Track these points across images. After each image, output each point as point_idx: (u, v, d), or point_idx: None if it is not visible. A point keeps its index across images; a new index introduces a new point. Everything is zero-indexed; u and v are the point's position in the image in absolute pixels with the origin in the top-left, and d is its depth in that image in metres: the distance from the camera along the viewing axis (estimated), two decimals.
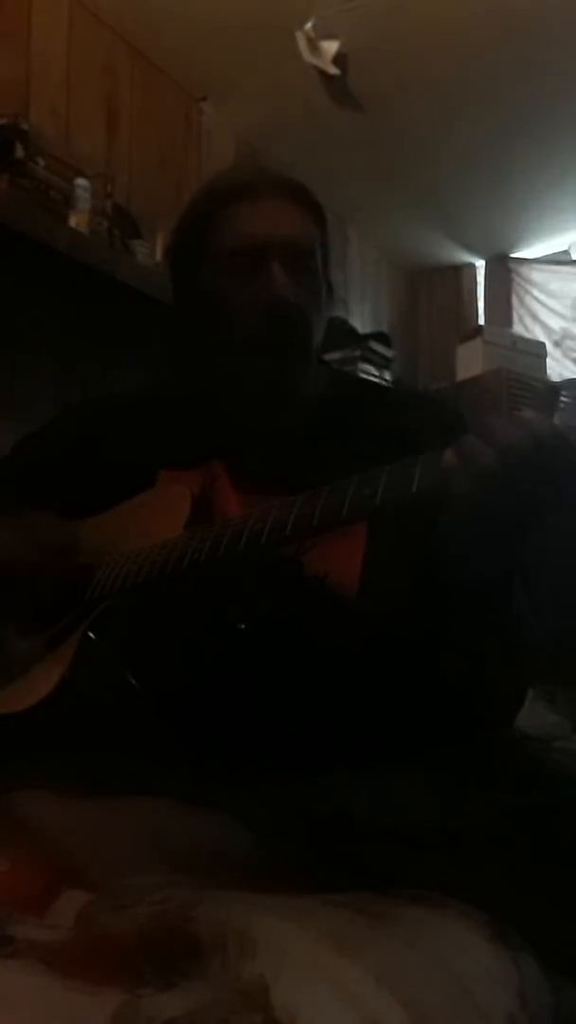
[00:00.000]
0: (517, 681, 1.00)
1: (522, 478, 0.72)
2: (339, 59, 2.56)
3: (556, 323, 3.91)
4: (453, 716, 0.88)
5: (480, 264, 4.04)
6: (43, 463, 1.12)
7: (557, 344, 3.81)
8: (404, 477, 0.75)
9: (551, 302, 3.94)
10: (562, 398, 0.72)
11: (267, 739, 0.82)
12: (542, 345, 3.60)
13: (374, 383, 2.58)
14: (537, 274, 3.97)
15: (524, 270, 3.99)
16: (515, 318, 3.97)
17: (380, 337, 3.24)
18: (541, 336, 3.80)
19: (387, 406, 1.12)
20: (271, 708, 0.86)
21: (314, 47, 2.53)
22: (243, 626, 0.90)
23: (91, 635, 0.91)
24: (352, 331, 3.19)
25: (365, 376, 2.92)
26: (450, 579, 0.84)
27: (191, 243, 1.05)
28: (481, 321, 3.87)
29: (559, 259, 3.95)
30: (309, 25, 2.48)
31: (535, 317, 3.96)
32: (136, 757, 0.80)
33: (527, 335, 3.77)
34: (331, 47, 2.54)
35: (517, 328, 3.90)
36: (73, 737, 0.84)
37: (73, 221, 2.07)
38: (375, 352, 3.12)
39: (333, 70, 2.60)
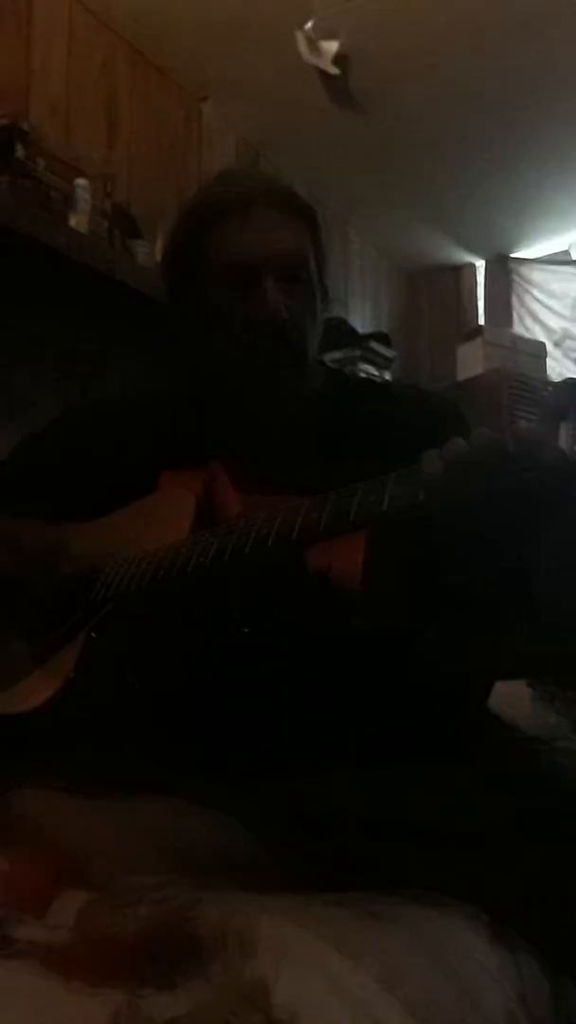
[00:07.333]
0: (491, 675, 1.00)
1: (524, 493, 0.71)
2: (339, 59, 2.57)
3: (556, 323, 3.90)
4: (451, 715, 0.88)
5: (480, 264, 4.04)
6: (42, 467, 1.12)
7: (557, 344, 3.81)
8: (410, 484, 0.74)
9: (551, 302, 3.93)
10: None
11: (269, 739, 0.82)
12: (542, 345, 3.60)
13: (370, 380, 2.58)
14: (537, 274, 3.97)
15: (524, 270, 3.98)
16: (515, 318, 3.97)
17: (380, 337, 3.24)
18: (541, 336, 3.80)
19: (384, 402, 1.12)
20: (275, 708, 0.86)
21: (314, 47, 2.53)
22: (246, 630, 0.90)
23: (95, 637, 0.91)
24: (352, 331, 3.18)
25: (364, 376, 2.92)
26: (447, 575, 0.84)
27: (186, 255, 1.06)
28: (481, 321, 3.87)
29: (559, 259, 3.95)
30: (309, 25, 2.48)
31: (535, 317, 3.95)
32: (138, 758, 0.80)
33: (527, 335, 3.76)
34: (331, 47, 2.54)
35: (517, 328, 3.89)
36: (76, 737, 0.84)
37: (73, 221, 2.07)
38: (375, 352, 3.12)
39: (333, 70, 2.60)
